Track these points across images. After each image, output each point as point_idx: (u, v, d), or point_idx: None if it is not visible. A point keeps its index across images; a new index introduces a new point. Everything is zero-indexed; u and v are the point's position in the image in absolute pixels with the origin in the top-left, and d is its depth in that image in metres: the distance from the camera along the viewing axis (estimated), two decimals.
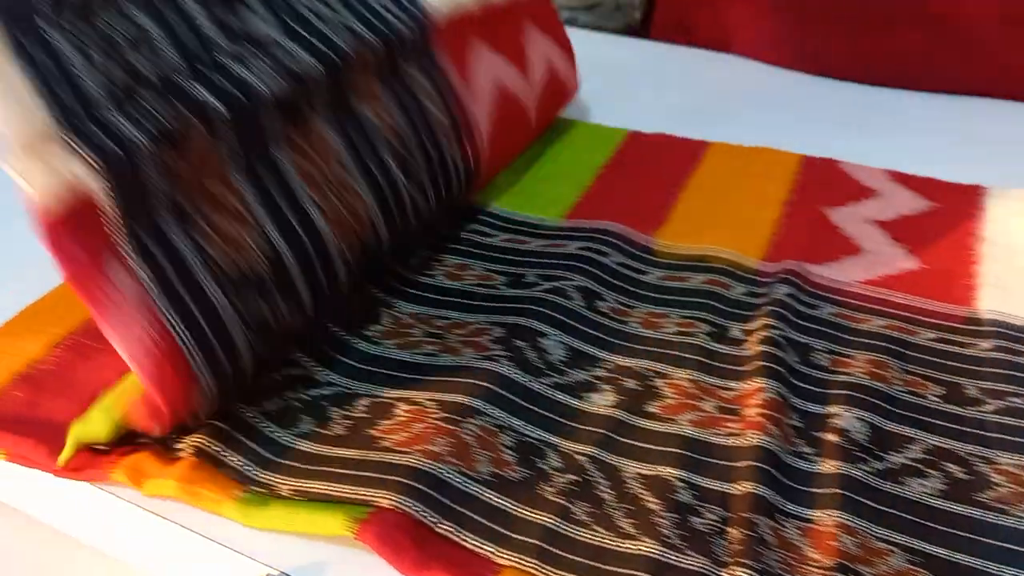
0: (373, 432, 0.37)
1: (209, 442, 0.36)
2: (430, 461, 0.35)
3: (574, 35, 0.63)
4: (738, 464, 0.36)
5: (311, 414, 0.39)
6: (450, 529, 0.34)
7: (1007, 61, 0.67)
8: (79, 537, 0.36)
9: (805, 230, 0.51)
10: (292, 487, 0.35)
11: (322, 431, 0.38)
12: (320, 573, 0.34)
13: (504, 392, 0.39)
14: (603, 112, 0.64)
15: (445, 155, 0.46)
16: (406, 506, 0.34)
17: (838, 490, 0.35)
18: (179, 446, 0.37)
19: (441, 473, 0.35)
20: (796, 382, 0.41)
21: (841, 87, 0.70)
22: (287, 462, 0.36)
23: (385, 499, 0.34)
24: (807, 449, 0.37)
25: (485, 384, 0.39)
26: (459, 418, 0.37)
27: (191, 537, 0.35)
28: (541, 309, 0.43)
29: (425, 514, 0.34)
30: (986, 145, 0.61)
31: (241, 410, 0.38)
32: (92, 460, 0.37)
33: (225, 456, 0.36)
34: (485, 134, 0.49)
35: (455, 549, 0.33)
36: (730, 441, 0.37)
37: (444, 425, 0.37)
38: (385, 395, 0.40)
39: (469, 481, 0.35)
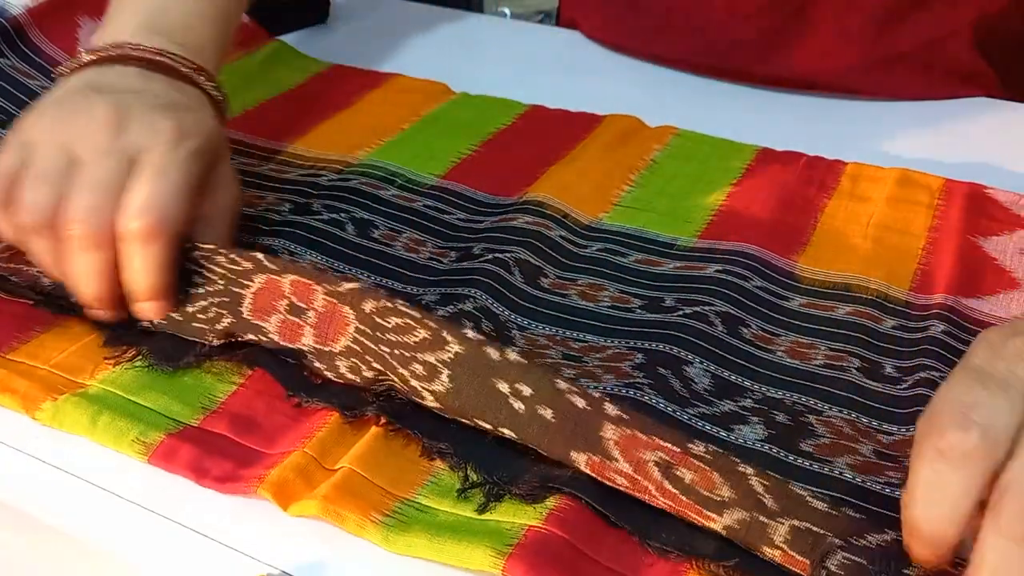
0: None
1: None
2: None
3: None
4: (899, 516, 0.34)
5: None
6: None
7: None
8: (78, 535, 0.36)
9: (955, 260, 0.48)
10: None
11: None
12: (320, 573, 0.33)
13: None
14: (717, 126, 0.62)
15: None
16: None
17: None
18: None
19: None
20: None
21: None
22: None
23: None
24: None
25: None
26: None
27: (191, 536, 0.35)
28: (683, 336, 0.42)
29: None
30: None
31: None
32: (236, 473, 0.36)
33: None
34: None
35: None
36: (890, 492, 0.36)
37: None
38: None
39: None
